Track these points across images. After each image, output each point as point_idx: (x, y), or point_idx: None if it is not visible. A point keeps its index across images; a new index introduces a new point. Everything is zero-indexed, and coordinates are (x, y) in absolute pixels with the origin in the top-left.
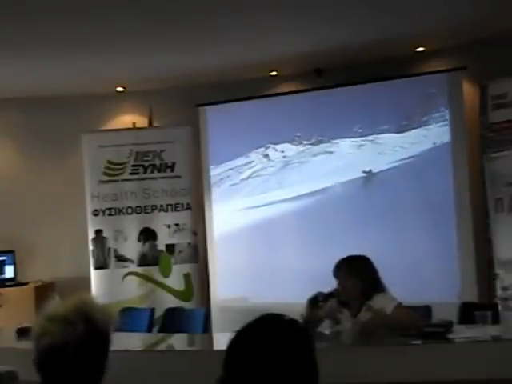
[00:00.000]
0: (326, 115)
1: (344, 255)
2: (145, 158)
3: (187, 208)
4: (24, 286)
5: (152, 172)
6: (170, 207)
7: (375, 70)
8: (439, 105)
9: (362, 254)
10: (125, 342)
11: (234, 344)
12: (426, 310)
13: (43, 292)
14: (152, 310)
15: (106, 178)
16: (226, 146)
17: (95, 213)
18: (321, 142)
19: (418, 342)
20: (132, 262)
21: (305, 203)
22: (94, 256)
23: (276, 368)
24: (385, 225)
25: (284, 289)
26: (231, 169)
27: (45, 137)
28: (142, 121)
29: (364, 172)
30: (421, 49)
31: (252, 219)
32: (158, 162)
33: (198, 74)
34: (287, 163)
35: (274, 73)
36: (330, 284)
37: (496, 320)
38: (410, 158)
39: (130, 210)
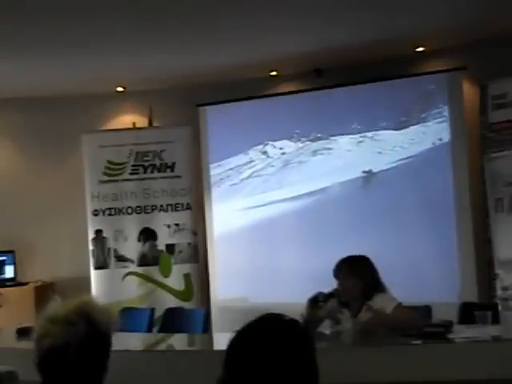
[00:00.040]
0: (325, 113)
1: (344, 255)
2: (145, 158)
3: (187, 208)
4: (24, 286)
5: (152, 172)
6: (169, 207)
7: (375, 70)
8: (438, 102)
9: (362, 253)
10: (125, 342)
11: (234, 344)
12: (425, 310)
13: (43, 292)
14: (152, 310)
15: (105, 177)
16: (226, 144)
17: (95, 213)
18: (319, 138)
19: (418, 342)
20: (132, 262)
21: (305, 203)
22: (93, 256)
23: (276, 368)
24: (385, 225)
25: (284, 289)
26: (231, 169)
27: (45, 137)
28: (142, 121)
29: (364, 172)
30: (421, 49)
31: (252, 219)
32: (157, 162)
33: (198, 74)
34: (287, 162)
35: (274, 73)
36: (330, 284)
37: (496, 320)
38: (409, 157)
39: (129, 210)
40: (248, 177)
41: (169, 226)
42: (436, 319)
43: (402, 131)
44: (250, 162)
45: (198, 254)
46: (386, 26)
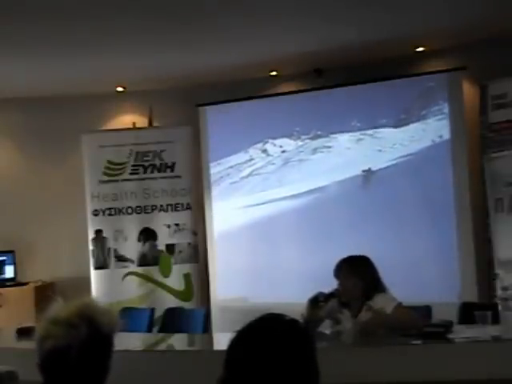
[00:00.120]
0: (324, 111)
1: (344, 254)
2: (145, 158)
3: (187, 208)
4: (24, 286)
5: (152, 172)
6: (170, 207)
7: (375, 70)
8: (438, 99)
9: (361, 253)
10: (125, 342)
11: (234, 344)
12: (426, 310)
13: (43, 292)
14: (152, 310)
15: (105, 178)
16: (226, 142)
17: (95, 213)
18: (319, 136)
19: (418, 342)
20: (132, 262)
21: (305, 201)
22: (94, 256)
23: (277, 368)
24: (385, 224)
25: (284, 289)
26: (231, 167)
27: (45, 137)
28: (142, 121)
29: (363, 171)
30: (421, 49)
31: (252, 217)
32: (158, 162)
33: (197, 74)
34: (287, 160)
35: (274, 73)
36: (330, 284)
37: (496, 320)
38: (409, 155)
39: (130, 210)
40: (248, 175)
41: (169, 226)
42: (436, 319)
43: (402, 129)
44: (250, 160)
45: (198, 253)
46: (386, 25)
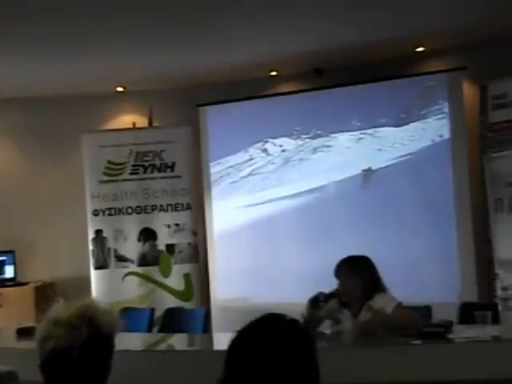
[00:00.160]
0: (324, 111)
1: (344, 254)
2: (145, 158)
3: (187, 208)
4: (24, 286)
5: (152, 172)
6: (170, 207)
7: (375, 70)
8: (438, 98)
9: (362, 253)
10: (125, 342)
11: (235, 344)
12: (426, 310)
13: (43, 292)
14: (152, 310)
15: (106, 178)
16: (226, 142)
17: (95, 213)
18: (319, 136)
19: (418, 342)
20: (132, 261)
21: (305, 200)
22: (94, 256)
23: (277, 368)
24: (385, 223)
25: (284, 289)
26: (231, 166)
27: (45, 137)
28: (142, 121)
29: (363, 171)
30: (421, 49)
31: (252, 217)
32: (158, 162)
33: (197, 74)
34: (287, 160)
35: (274, 73)
36: (330, 284)
37: (496, 320)
38: (409, 154)
39: (130, 210)
40: (248, 174)
41: (169, 226)
42: (436, 319)
43: (402, 128)
44: (250, 159)
45: (198, 253)
46: (386, 25)
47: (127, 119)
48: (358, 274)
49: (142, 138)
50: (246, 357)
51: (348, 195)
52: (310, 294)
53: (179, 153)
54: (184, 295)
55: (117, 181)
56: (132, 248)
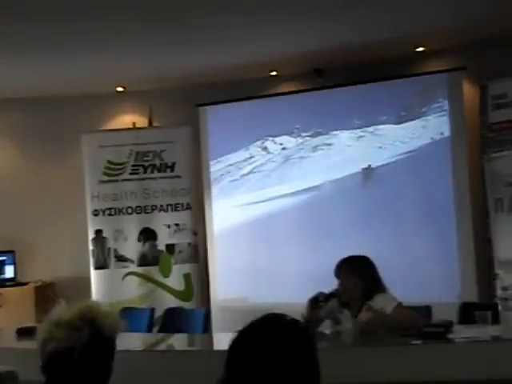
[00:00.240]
0: (325, 110)
1: (344, 253)
2: (145, 158)
3: (187, 208)
4: (24, 286)
5: (152, 172)
6: (170, 207)
7: (375, 70)
8: (438, 96)
9: (361, 252)
10: (125, 342)
11: (236, 344)
12: (426, 310)
13: (43, 292)
14: (152, 310)
15: (105, 178)
16: (226, 140)
17: (95, 213)
18: (319, 134)
19: (418, 342)
20: (132, 262)
21: (305, 198)
22: (94, 256)
23: (278, 368)
24: (385, 223)
25: (284, 289)
26: (231, 164)
27: (45, 137)
28: (142, 121)
29: (364, 169)
30: (421, 49)
31: (252, 215)
32: (158, 162)
33: (197, 74)
34: (287, 158)
35: (274, 73)
36: (330, 284)
37: (496, 320)
38: (409, 152)
39: (130, 210)
40: (248, 173)
41: (169, 226)
42: (436, 319)
43: (403, 125)
44: (250, 157)
45: (198, 253)
46: (386, 25)
47: (127, 119)
48: (358, 273)
49: (142, 138)
50: (246, 357)
51: (348, 193)
52: (310, 294)
53: (179, 153)
54: (184, 295)
55: (117, 181)
56: (132, 248)
